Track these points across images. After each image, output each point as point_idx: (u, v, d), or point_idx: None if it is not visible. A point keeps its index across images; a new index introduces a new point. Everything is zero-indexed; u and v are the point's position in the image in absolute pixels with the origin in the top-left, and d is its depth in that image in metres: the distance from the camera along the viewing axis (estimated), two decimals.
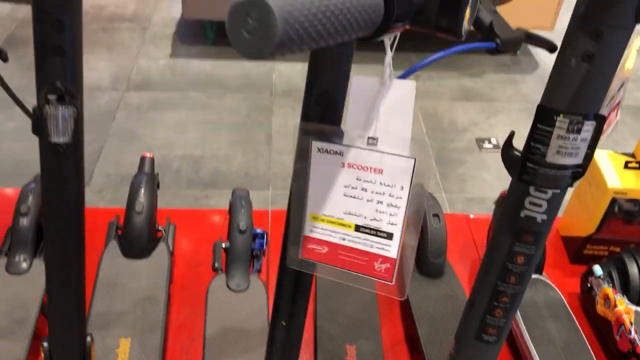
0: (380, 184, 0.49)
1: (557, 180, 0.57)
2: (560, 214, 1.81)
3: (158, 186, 1.57)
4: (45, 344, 0.84)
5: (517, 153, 0.59)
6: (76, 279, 0.75)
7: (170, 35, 2.95)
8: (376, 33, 0.41)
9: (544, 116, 0.56)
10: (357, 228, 0.52)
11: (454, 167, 2.14)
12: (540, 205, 0.58)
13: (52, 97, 0.56)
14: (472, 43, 0.48)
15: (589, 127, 0.55)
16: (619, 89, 0.63)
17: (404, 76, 0.46)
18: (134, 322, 1.32)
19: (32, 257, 1.40)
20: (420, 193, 0.49)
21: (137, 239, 1.43)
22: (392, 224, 0.51)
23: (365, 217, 0.52)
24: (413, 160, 0.47)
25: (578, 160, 0.57)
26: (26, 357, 1.18)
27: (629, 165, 1.59)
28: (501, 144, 2.33)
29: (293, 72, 2.63)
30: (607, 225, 1.60)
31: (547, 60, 2.93)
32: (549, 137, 0.56)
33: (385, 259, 0.53)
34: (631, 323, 1.37)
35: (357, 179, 0.50)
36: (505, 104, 2.60)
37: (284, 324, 0.66)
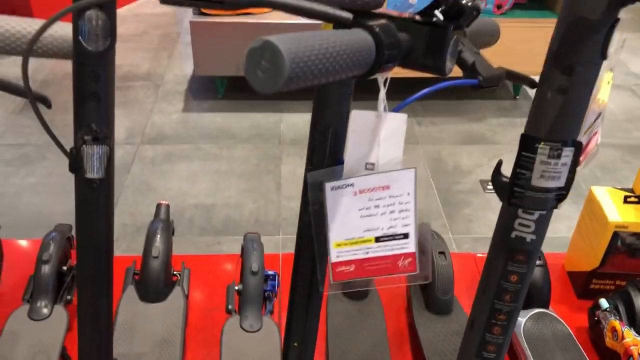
0: (390, 197, 0.55)
1: (542, 202, 0.63)
2: (564, 250, 1.86)
3: (173, 232, 1.64)
4: None
5: (505, 179, 0.64)
6: (106, 311, 0.80)
7: (183, 92, 3.07)
8: (369, 72, 0.48)
9: (527, 144, 0.62)
10: (377, 239, 0.58)
11: (459, 208, 2.20)
12: (528, 226, 0.64)
13: (88, 137, 0.63)
14: (457, 80, 0.55)
15: (568, 152, 0.61)
16: (596, 119, 0.70)
17: (396, 110, 0.52)
18: None
19: (54, 303, 1.45)
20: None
21: (154, 283, 1.48)
22: (405, 225, 0.56)
23: (382, 229, 0.57)
24: (414, 169, 0.53)
25: (560, 183, 0.63)
26: None
27: (628, 199, 1.63)
28: None
29: (300, 122, 2.72)
30: (611, 260, 1.64)
31: None
32: (532, 163, 0.62)
33: (407, 255, 0.58)
34: (639, 354, 1.39)
35: (368, 200, 0.56)
36: (507, 146, 2.67)
37: (296, 344, 0.70)
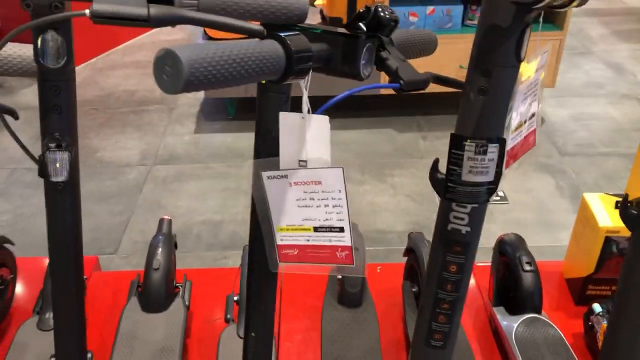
0: (322, 192, 0.61)
1: (473, 196, 0.67)
2: (561, 258, 1.87)
3: (176, 246, 1.70)
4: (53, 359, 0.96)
5: (441, 176, 0.69)
6: (76, 297, 0.87)
7: (195, 114, 3.17)
8: (283, 77, 0.54)
9: (455, 142, 0.67)
10: (316, 229, 0.64)
11: None
12: (462, 219, 0.68)
13: (52, 145, 0.70)
14: (380, 84, 0.61)
15: (493, 149, 0.66)
16: (531, 117, 0.74)
17: (319, 112, 0.58)
18: None
19: None
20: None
21: (155, 294, 1.55)
22: (340, 219, 0.62)
23: (319, 220, 0.63)
24: (341, 168, 0.59)
25: (489, 178, 0.67)
26: None
27: (620, 205, 1.65)
28: (508, 197, 2.41)
29: None
30: (606, 265, 1.65)
31: (552, 117, 3.04)
32: (461, 159, 0.67)
33: (344, 248, 0.64)
34: None
35: (303, 192, 0.62)
36: None
37: (253, 334, 0.75)
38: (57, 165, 0.71)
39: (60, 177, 0.73)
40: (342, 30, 0.58)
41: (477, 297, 1.77)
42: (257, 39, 0.52)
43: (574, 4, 0.58)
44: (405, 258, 1.73)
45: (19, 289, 1.72)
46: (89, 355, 1.02)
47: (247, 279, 0.74)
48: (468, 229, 0.69)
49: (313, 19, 2.98)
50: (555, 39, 2.80)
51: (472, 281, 1.83)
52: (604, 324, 1.48)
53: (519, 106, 0.68)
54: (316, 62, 0.56)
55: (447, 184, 0.68)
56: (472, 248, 0.70)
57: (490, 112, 0.65)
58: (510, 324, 1.53)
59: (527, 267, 1.57)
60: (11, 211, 2.38)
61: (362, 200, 2.39)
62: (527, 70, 0.69)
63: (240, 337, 1.49)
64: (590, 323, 1.55)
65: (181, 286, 1.65)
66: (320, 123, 0.57)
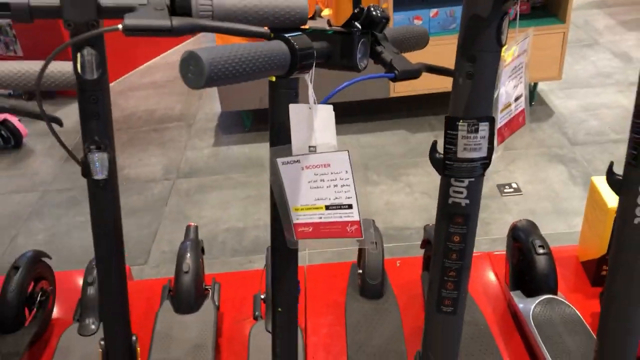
0: (331, 173, 0.69)
1: (469, 171, 0.75)
2: (575, 242, 1.92)
3: (203, 251, 1.79)
4: (102, 342, 1.06)
5: (439, 155, 0.77)
6: (120, 282, 0.96)
7: (213, 128, 3.28)
8: (289, 72, 0.62)
9: (450, 124, 0.75)
10: (327, 207, 0.72)
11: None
12: (461, 192, 0.76)
13: (92, 147, 0.80)
14: (376, 74, 0.68)
15: (484, 127, 0.73)
16: (517, 99, 0.81)
17: (323, 102, 0.66)
18: None
19: (100, 320, 1.62)
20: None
21: (186, 295, 1.64)
22: (348, 197, 0.70)
23: (329, 199, 0.71)
24: (347, 151, 0.67)
25: (483, 154, 0.75)
26: None
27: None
28: (521, 188, 2.46)
29: None
30: None
31: (562, 108, 3.08)
32: (456, 138, 0.74)
33: (353, 223, 0.72)
34: None
35: (314, 174, 0.70)
36: (523, 150, 2.74)
37: (280, 309, 0.83)
38: (98, 164, 0.81)
39: (102, 175, 0.83)
40: (339, 29, 0.66)
41: (494, 285, 1.83)
42: (265, 40, 0.60)
43: None
44: (423, 250, 1.80)
45: (59, 300, 1.82)
46: (134, 337, 1.12)
47: (270, 259, 0.82)
48: (467, 201, 0.76)
49: None
50: (559, 32, 2.85)
51: (489, 269, 1.89)
52: None
53: (504, 88, 0.76)
54: (318, 58, 0.64)
55: (445, 162, 0.76)
56: (472, 219, 0.77)
57: (478, 94, 0.72)
58: (527, 305, 1.59)
59: (540, 250, 1.63)
60: (45, 230, 2.50)
61: (379, 200, 2.46)
62: (510, 54, 0.76)
63: (269, 332, 1.56)
64: None
65: (210, 288, 1.74)
66: (325, 112, 0.65)
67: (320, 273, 1.93)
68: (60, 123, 0.85)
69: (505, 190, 2.45)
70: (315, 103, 0.64)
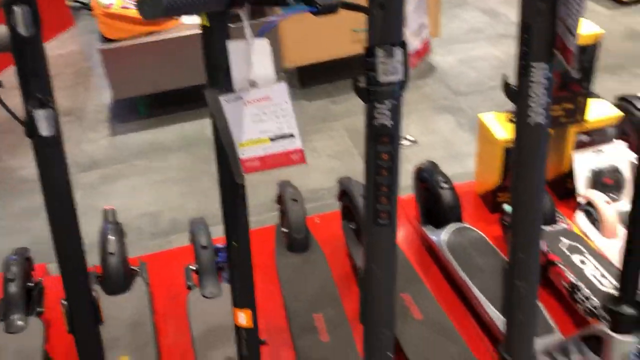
0: (272, 105, 0.75)
1: (389, 93, 0.84)
2: (471, 179, 2.11)
3: (124, 234, 1.78)
4: (65, 302, 1.06)
5: (362, 85, 0.85)
6: (75, 237, 0.97)
7: (106, 118, 3.18)
8: (228, 6, 0.67)
9: (369, 52, 0.83)
10: (271, 139, 0.78)
11: None
12: (385, 114, 0.85)
13: (36, 104, 0.80)
14: (299, 7, 0.75)
15: (398, 51, 0.82)
16: (422, 27, 0.91)
17: (260, 35, 0.72)
18: (128, 344, 1.50)
19: (26, 315, 1.57)
20: None
21: (115, 276, 1.63)
22: (289, 127, 0.77)
23: (273, 131, 0.77)
24: (285, 83, 0.73)
25: (400, 77, 0.84)
26: None
27: (513, 119, 1.90)
28: (417, 140, 2.64)
29: None
30: (510, 173, 1.90)
31: (443, 64, 3.32)
32: (375, 64, 0.83)
33: (296, 151, 0.78)
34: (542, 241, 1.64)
35: (257, 108, 0.75)
36: (414, 105, 2.94)
37: (234, 243, 0.89)
38: (45, 121, 0.81)
39: (50, 131, 0.83)
40: None
41: (407, 225, 1.98)
42: None
43: None
44: (340, 203, 1.90)
45: None
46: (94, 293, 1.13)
47: (220, 197, 0.87)
48: (391, 122, 0.85)
49: None
50: None
51: (401, 212, 2.03)
52: None
53: (412, 16, 0.85)
54: None
55: (368, 89, 0.84)
56: (396, 138, 0.87)
57: (390, 22, 0.81)
58: (439, 236, 1.74)
59: (444, 185, 1.79)
60: None
61: (289, 168, 2.54)
62: None
63: (206, 297, 1.60)
64: (505, 223, 1.79)
65: (138, 269, 1.74)
66: (261, 46, 0.71)
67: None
68: (1, 84, 0.83)
69: (402, 143, 2.62)
70: (251, 38, 0.70)
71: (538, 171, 0.94)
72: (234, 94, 0.74)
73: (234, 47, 0.71)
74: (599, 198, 1.77)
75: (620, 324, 1.11)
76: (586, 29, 1.77)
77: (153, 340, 1.52)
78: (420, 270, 1.77)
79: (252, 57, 0.71)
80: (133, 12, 2.89)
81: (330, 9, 0.77)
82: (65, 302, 1.08)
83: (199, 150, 2.77)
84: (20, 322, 1.56)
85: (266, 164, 0.78)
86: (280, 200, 1.89)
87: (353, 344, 1.46)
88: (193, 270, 1.67)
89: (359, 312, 0.99)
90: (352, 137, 2.75)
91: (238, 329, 1.04)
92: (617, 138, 2.10)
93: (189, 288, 1.65)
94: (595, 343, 1.18)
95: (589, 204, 1.81)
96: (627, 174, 1.92)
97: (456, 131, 2.74)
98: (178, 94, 3.06)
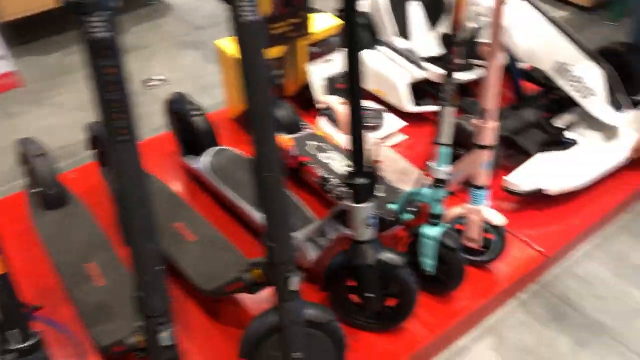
0: None
1: (102, 3, 0.82)
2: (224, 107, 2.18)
3: None
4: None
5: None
6: None
7: None
8: None
9: None
10: None
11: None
12: (101, 26, 0.83)
13: None
14: None
15: None
16: None
17: None
18: None
19: None
20: None
21: None
22: None
23: None
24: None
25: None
26: None
27: None
28: (166, 78, 2.61)
29: None
30: None
31: (178, 2, 3.29)
32: None
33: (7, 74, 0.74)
34: (292, 147, 1.79)
35: None
36: (157, 45, 2.88)
37: None
38: None
39: None
40: None
41: (170, 160, 1.99)
42: None
43: None
44: (94, 150, 1.82)
45: None
46: None
47: None
48: (110, 34, 0.84)
49: None
50: None
51: (163, 149, 2.02)
52: None
53: None
54: None
55: (76, 12, 0.82)
56: (117, 50, 0.86)
57: None
58: (200, 162, 1.79)
59: (196, 112, 1.83)
60: None
61: (31, 128, 2.34)
62: None
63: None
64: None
65: None
66: None
67: None
68: None
69: (151, 84, 2.57)
70: None
71: (260, 66, 1.02)
72: None
73: None
74: (333, 101, 1.97)
75: (357, 194, 1.29)
76: None
77: None
78: (190, 200, 1.81)
79: None
80: None
81: None
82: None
83: None
84: None
85: None
86: (24, 159, 1.74)
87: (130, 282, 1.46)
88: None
89: (123, 238, 1.00)
90: None
91: None
92: (340, 47, 2.34)
93: None
94: (344, 218, 1.36)
95: (327, 108, 2.01)
96: None
97: (202, 64, 2.77)
98: None
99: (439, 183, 1.42)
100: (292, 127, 1.89)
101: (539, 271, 1.70)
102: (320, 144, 1.84)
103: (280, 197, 1.11)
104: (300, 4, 1.94)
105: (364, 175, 1.29)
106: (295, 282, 1.14)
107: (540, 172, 1.80)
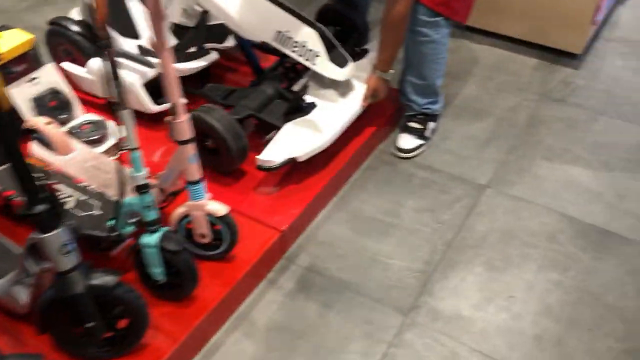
0: None
1: None
2: None
3: None
4: None
5: None
6: None
7: None
8: None
9: None
10: None
11: None
12: None
13: None
14: None
15: None
16: None
17: None
18: None
19: None
20: None
21: None
22: None
23: None
24: None
25: None
26: None
27: None
28: None
29: None
30: None
31: None
32: None
33: None
34: None
35: None
36: None
37: None
38: None
39: None
40: None
41: None
42: None
43: None
44: None
45: None
46: None
47: None
48: None
49: None
50: None
51: None
52: None
53: None
54: None
55: None
56: None
57: None
58: None
59: None
60: None
61: None
62: None
63: None
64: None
65: None
66: None
67: None
68: None
69: None
70: None
71: None
72: None
73: None
74: (39, 121, 1.78)
75: (40, 224, 1.16)
76: None
77: None
78: None
79: None
80: None
81: None
82: None
83: None
84: None
85: None
86: None
87: None
88: None
89: None
90: None
91: None
92: (54, 61, 2.15)
93: None
94: (39, 250, 1.24)
95: (36, 131, 1.82)
96: (67, 90, 2.00)
97: None
98: None
99: (141, 189, 1.36)
100: None
101: (281, 247, 1.73)
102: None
103: None
104: None
105: (42, 202, 1.17)
106: None
107: (290, 141, 1.82)
